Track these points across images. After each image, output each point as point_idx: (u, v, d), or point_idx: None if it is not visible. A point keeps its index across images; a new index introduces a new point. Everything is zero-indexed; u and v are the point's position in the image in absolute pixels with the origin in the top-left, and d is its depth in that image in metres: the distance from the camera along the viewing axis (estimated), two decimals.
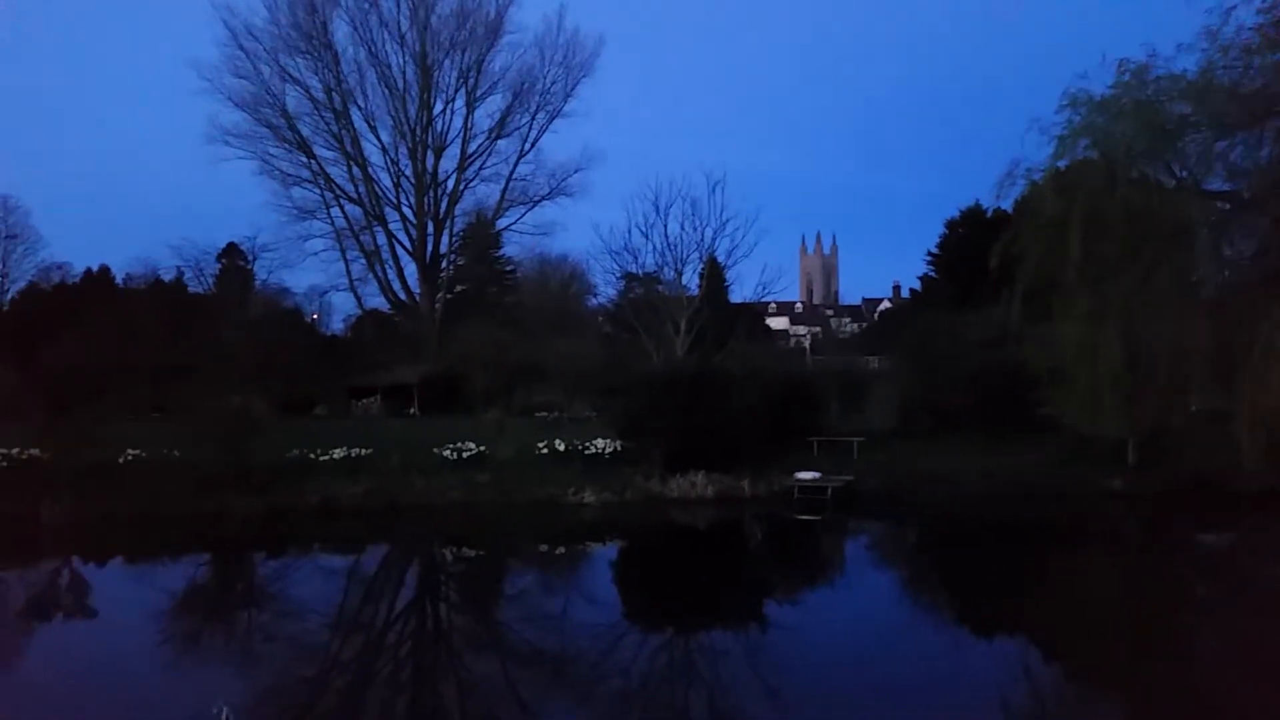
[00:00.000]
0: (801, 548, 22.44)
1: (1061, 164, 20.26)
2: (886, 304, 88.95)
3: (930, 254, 50.53)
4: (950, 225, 49.57)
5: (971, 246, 38.86)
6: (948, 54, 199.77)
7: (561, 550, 21.96)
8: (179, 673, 12.15)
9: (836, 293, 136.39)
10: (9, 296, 60.01)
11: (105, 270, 58.84)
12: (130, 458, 25.28)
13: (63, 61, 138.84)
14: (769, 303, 57.09)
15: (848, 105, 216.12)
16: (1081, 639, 13.15)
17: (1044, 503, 25.61)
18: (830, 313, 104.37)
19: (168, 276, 57.70)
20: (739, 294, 44.32)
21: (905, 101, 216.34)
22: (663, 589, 17.50)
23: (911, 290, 57.16)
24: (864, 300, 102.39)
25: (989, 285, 23.60)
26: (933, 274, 50.03)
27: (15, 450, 24.42)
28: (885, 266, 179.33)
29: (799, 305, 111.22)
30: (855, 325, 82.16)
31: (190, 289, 57.69)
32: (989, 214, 43.31)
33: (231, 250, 58.57)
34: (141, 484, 23.98)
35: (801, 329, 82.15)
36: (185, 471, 24.53)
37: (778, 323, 79.13)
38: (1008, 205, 23.59)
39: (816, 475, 26.31)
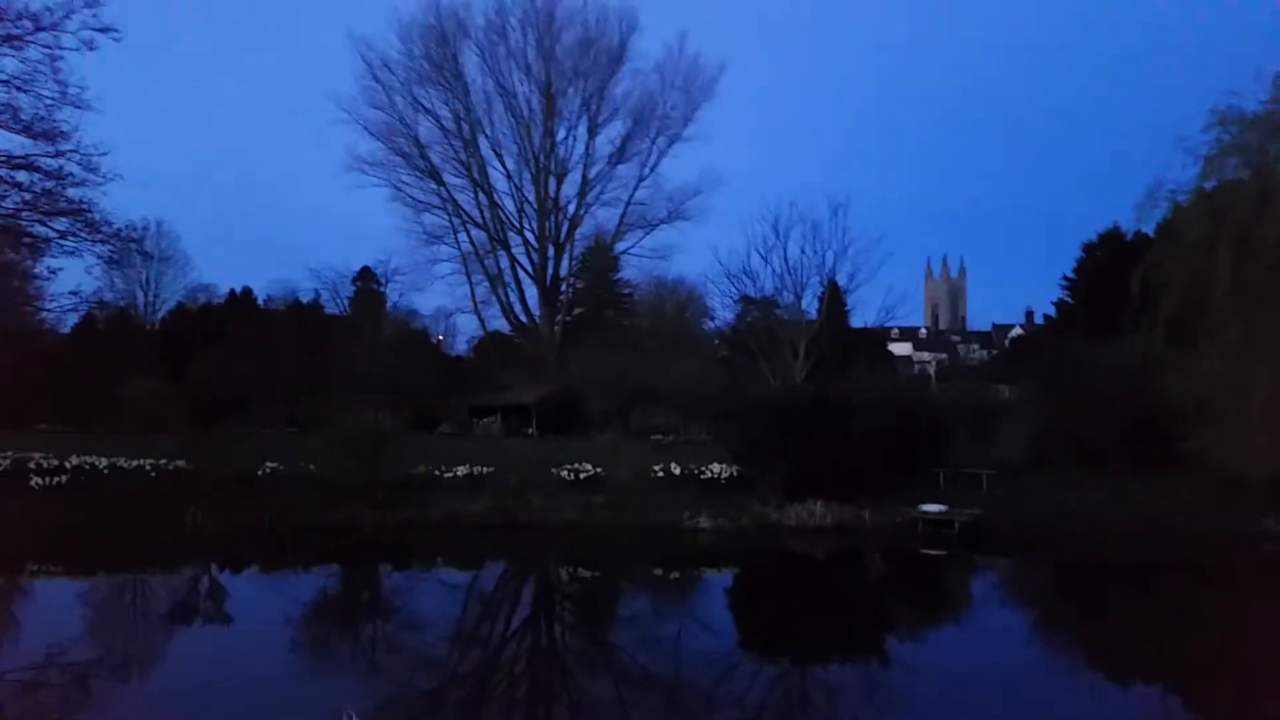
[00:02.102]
0: (925, 582, 21.64)
1: (1209, 184, 19.20)
2: (1018, 330, 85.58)
3: (1066, 278, 48.52)
4: (1087, 249, 47.52)
5: (1110, 271, 37.14)
6: (1085, 72, 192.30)
7: (676, 575, 21.83)
8: (308, 679, 12.57)
9: (964, 318, 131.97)
10: (159, 316, 64.08)
11: (248, 292, 62.24)
12: (268, 471, 26.48)
13: (211, 96, 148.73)
14: (891, 328, 55.88)
15: (977, 124, 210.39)
16: (1231, 691, 12.17)
17: (1188, 542, 23.98)
18: (957, 339, 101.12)
19: (306, 298, 60.71)
20: (860, 319, 43.60)
21: (1039, 121, 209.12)
22: (779, 619, 17.13)
23: (1046, 316, 54.99)
24: (994, 326, 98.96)
25: (1129, 312, 22.43)
26: (1068, 299, 47.99)
27: (163, 461, 25.91)
28: (1017, 291, 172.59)
29: (923, 331, 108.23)
30: (985, 352, 79.44)
31: (326, 310, 60.50)
32: (1129, 237, 41.41)
33: (365, 273, 61.17)
34: (278, 496, 25.09)
35: (926, 355, 79.92)
36: (320, 485, 25.56)
37: (901, 349, 77.20)
38: (1149, 228, 22.50)
39: (942, 508, 25.40)
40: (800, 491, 25.93)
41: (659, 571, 22.06)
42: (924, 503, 25.70)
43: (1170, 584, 20.43)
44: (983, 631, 16.46)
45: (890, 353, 59.68)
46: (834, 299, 39.91)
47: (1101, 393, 28.56)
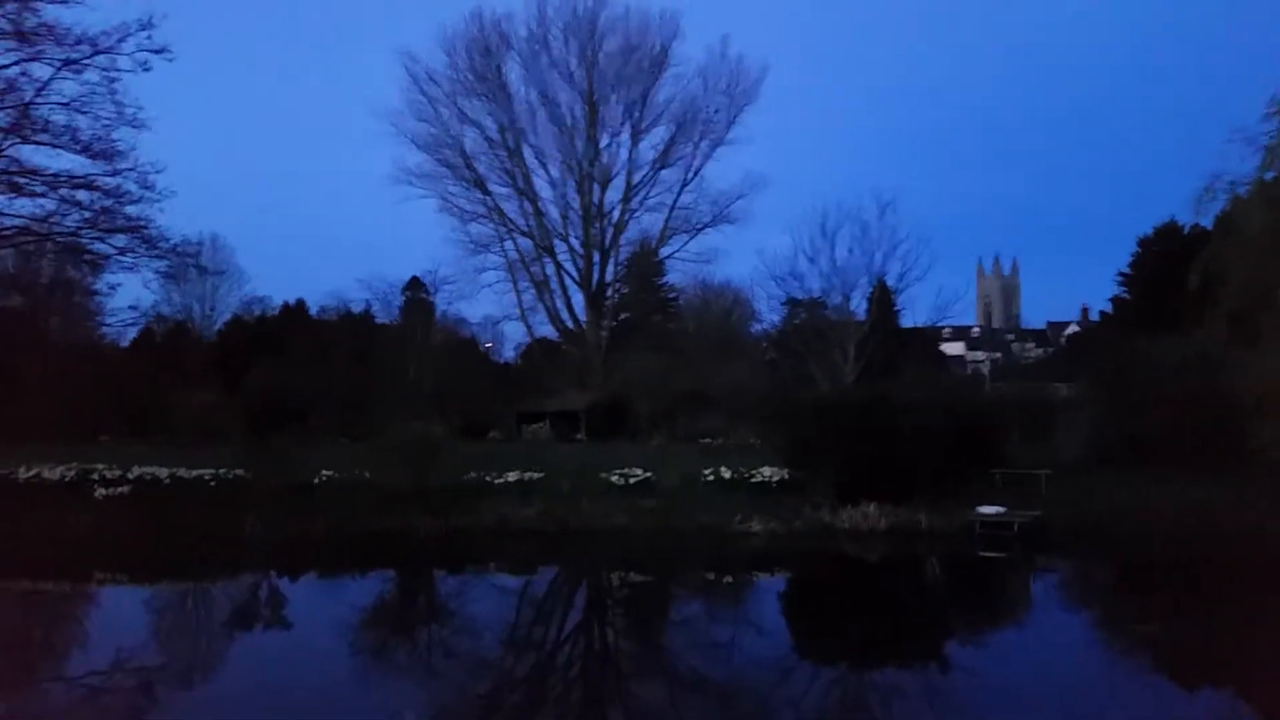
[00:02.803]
0: (984, 586, 21.27)
1: (1269, 175, 18.60)
2: (1074, 327, 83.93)
3: (1122, 274, 47.52)
4: (1143, 243, 46.48)
5: (1167, 265, 36.35)
6: (1139, 64, 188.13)
7: (729, 579, 21.72)
8: (366, 683, 12.71)
9: (1018, 316, 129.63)
10: (216, 328, 65.47)
11: (301, 303, 63.32)
12: (323, 478, 26.88)
13: (264, 113, 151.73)
14: (943, 327, 55.04)
15: (1028, 118, 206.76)
16: None
17: (1257, 543, 23.24)
18: (1011, 337, 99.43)
19: (357, 308, 61.52)
20: (911, 319, 42.98)
21: (1093, 113, 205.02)
22: (834, 623, 16.97)
23: (1102, 313, 53.86)
24: (1048, 324, 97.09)
25: (1188, 306, 21.84)
26: (1125, 295, 46.95)
27: (221, 471, 26.43)
28: (1072, 288, 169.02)
29: (976, 329, 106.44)
30: (1040, 350, 78.03)
31: (377, 320, 61.28)
32: (1186, 231, 40.41)
33: (414, 283, 61.83)
34: (333, 503, 25.45)
35: (980, 354, 78.70)
36: (373, 492, 25.90)
37: (953, 348, 76.05)
38: (1207, 221, 21.89)
39: (1000, 509, 24.93)
40: (853, 494, 25.62)
41: (711, 576, 21.96)
42: (981, 504, 25.25)
43: (1238, 586, 19.80)
44: (1046, 635, 16.09)
45: (942, 353, 58.90)
46: (883, 299, 39.49)
47: (1161, 390, 27.85)
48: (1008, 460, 28.67)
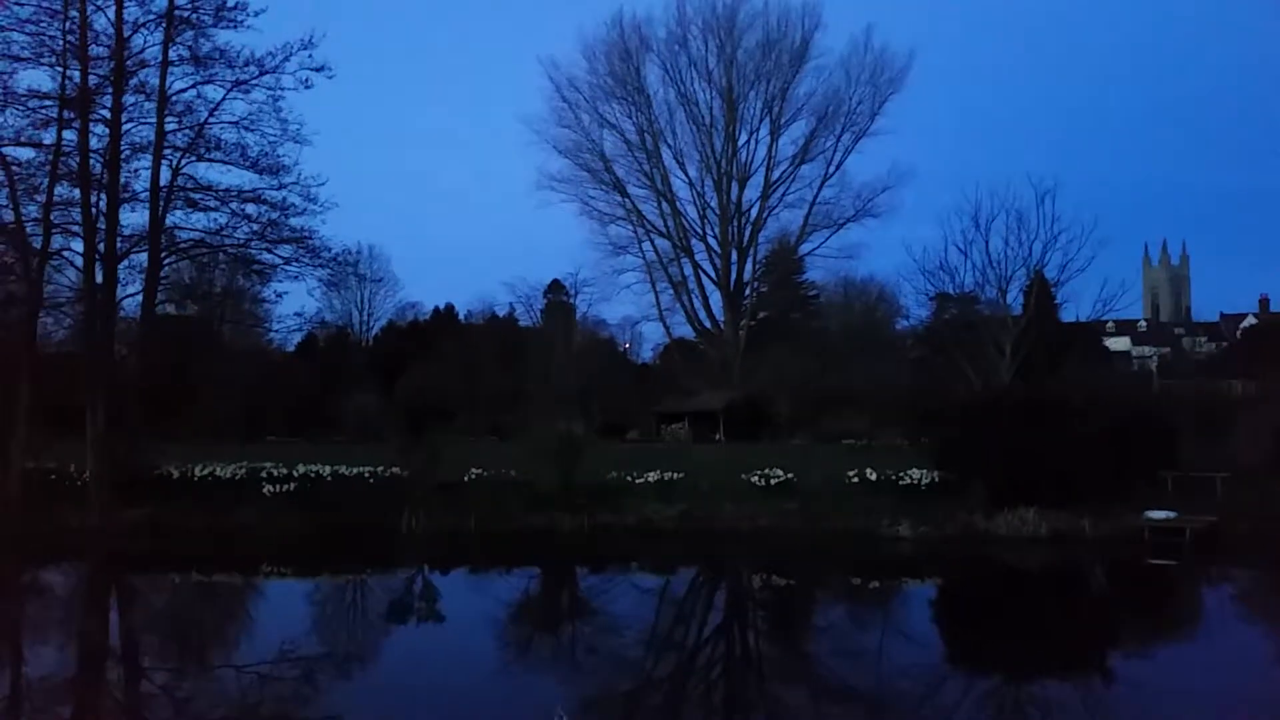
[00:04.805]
0: (1153, 595, 19.83)
1: None
2: (1252, 320, 77.74)
3: None
4: None
5: None
6: None
7: (876, 584, 21.06)
8: (516, 678, 12.94)
9: (1188, 309, 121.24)
10: (372, 333, 68.78)
11: (450, 308, 65.79)
12: (473, 476, 27.69)
13: (415, 128, 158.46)
14: (1106, 322, 52.00)
15: (1196, 99, 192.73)
16: None
17: None
18: (1181, 331, 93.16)
19: (502, 312, 63.41)
20: (1072, 313, 40.71)
21: (1263, 89, 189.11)
22: (990, 632, 16.13)
23: None
24: (1222, 316, 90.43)
25: None
26: None
27: (379, 469, 27.59)
28: (1247, 278, 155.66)
29: (1143, 323, 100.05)
30: (1212, 344, 72.69)
31: (521, 323, 62.97)
32: None
33: (556, 286, 63.26)
34: (483, 501, 26.18)
35: (1147, 349, 73.89)
36: (520, 490, 26.52)
37: (1117, 343, 71.78)
38: None
39: (1172, 514, 23.22)
40: (1010, 498, 24.35)
41: (857, 580, 21.36)
42: (1150, 509, 23.59)
43: None
44: (1223, 650, 14.80)
45: (1106, 348, 55.68)
46: (1042, 292, 37.44)
47: None
48: (1179, 462, 26.72)
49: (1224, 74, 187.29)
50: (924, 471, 26.48)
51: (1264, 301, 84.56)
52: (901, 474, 26.64)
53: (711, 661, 14.61)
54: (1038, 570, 21.95)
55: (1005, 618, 17.22)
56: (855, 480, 27.00)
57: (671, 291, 57.72)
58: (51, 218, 28.01)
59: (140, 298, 29.58)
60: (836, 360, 43.70)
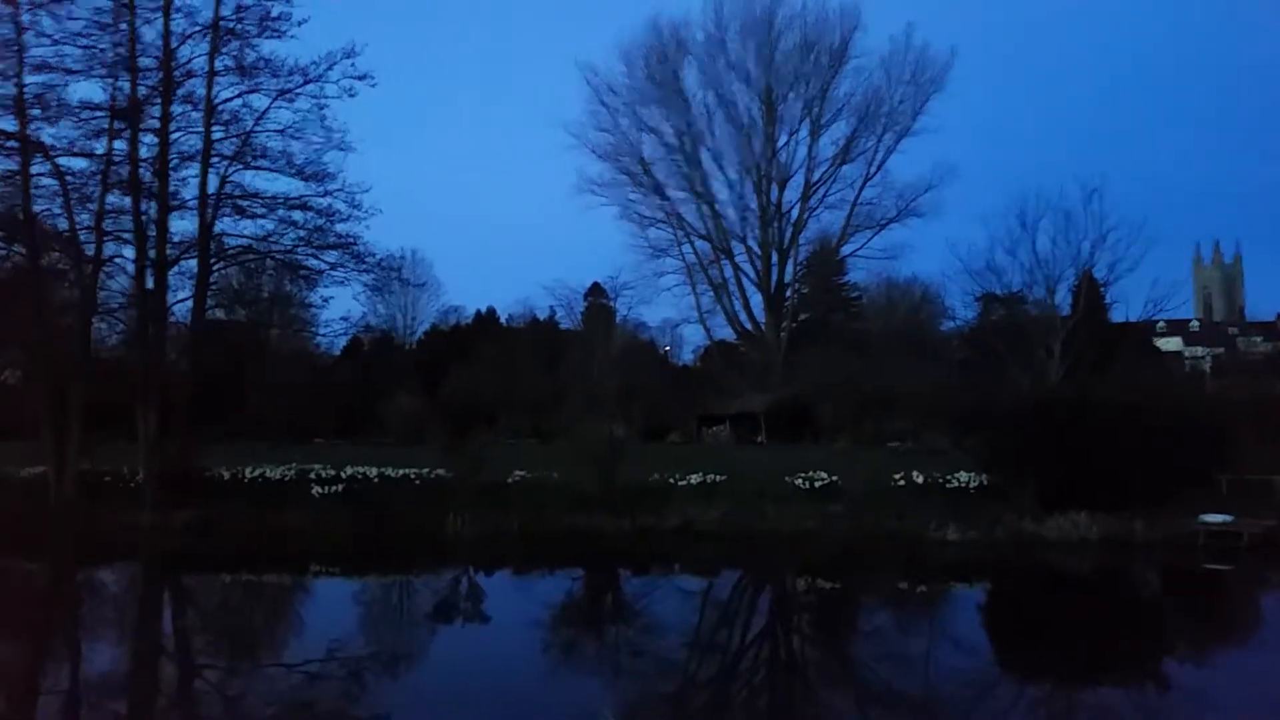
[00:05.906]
0: (1207, 600, 19.38)
1: None
2: None
3: None
4: None
5: None
6: None
7: (923, 589, 20.78)
8: (560, 679, 12.95)
9: (1242, 308, 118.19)
10: (416, 337, 69.44)
11: (492, 312, 66.24)
12: (516, 478, 27.82)
13: (457, 135, 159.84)
14: (1157, 322, 50.88)
15: (1247, 93, 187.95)
16: None
17: None
18: (1235, 331, 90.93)
19: (542, 315, 63.69)
20: (1121, 313, 39.95)
21: None
22: (1040, 638, 15.83)
23: None
24: (1279, 315, 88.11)
25: None
26: None
27: (424, 470, 27.82)
28: None
29: (1195, 323, 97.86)
30: (1267, 344, 70.87)
31: (561, 326, 63.19)
32: None
33: (596, 289, 63.42)
34: (526, 502, 26.29)
35: (1199, 350, 72.27)
36: (562, 492, 26.58)
37: (1169, 343, 70.30)
38: None
39: (1227, 518, 22.66)
40: (1059, 502, 23.89)
41: (903, 585, 21.09)
42: (1205, 513, 23.03)
43: None
44: (1277, 653, 14.43)
45: (1157, 349, 54.54)
46: (1091, 292, 36.81)
47: None
48: (1234, 466, 26.05)
49: (1270, 71, 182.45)
50: (971, 474, 26.11)
51: None
52: (949, 477, 26.28)
53: (757, 665, 14.50)
54: (1090, 574, 21.53)
55: (1057, 623, 16.88)
56: (901, 483, 26.69)
57: (712, 294, 57.67)
58: (103, 226, 28.70)
59: (190, 303, 30.25)
60: (879, 362, 43.20)
